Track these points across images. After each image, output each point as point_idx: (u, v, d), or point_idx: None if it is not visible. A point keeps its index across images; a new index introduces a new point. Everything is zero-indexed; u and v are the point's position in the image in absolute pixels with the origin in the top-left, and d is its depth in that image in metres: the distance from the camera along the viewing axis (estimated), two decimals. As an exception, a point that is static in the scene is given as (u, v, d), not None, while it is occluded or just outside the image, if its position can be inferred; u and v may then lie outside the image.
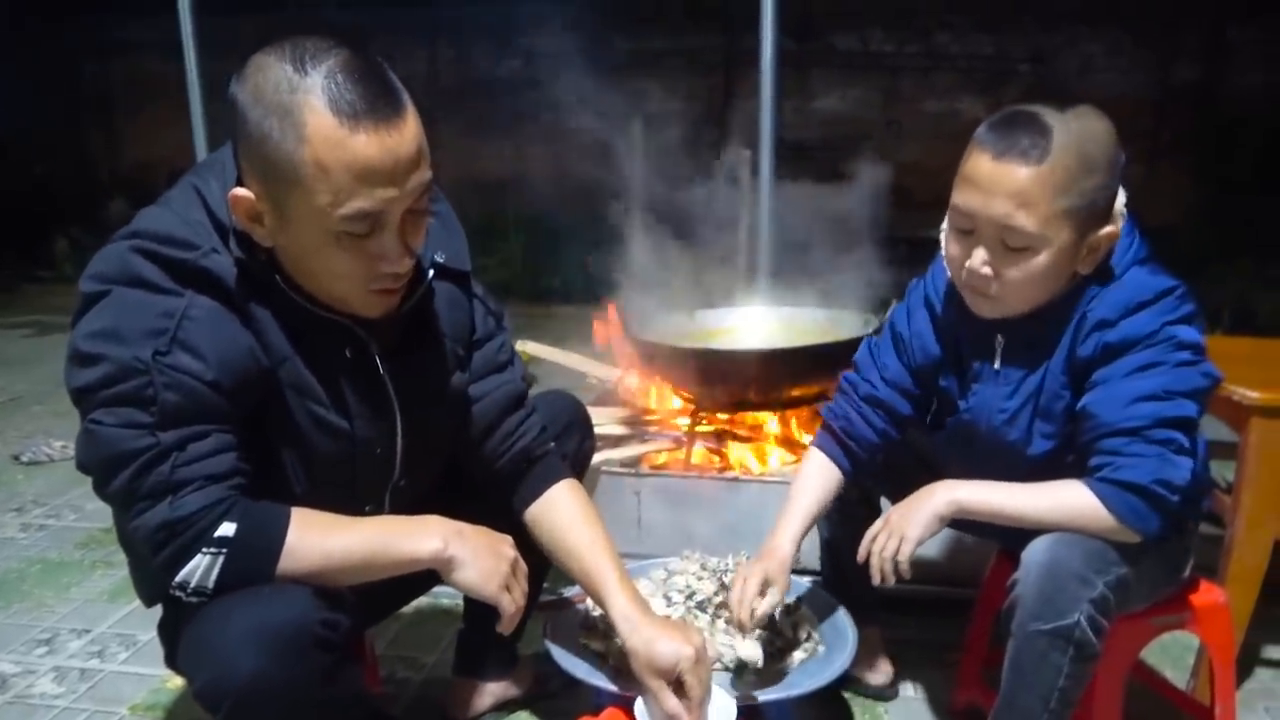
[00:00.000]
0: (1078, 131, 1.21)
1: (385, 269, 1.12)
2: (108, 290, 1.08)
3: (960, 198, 1.27)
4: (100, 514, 2.73)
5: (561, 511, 1.39)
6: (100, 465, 1.08)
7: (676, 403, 2.40)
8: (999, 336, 1.36)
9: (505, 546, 1.25)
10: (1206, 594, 1.46)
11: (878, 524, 1.38)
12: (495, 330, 1.41)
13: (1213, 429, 1.46)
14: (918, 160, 7.06)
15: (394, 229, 1.10)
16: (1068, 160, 1.19)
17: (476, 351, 1.39)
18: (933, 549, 1.87)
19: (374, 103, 1.04)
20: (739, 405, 2.20)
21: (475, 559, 1.20)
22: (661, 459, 2.24)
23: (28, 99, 7.73)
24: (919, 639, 1.88)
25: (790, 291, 2.63)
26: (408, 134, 1.07)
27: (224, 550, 1.08)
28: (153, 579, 1.21)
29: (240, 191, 1.08)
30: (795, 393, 2.14)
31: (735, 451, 2.23)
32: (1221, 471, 1.80)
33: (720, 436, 2.28)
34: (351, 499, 1.28)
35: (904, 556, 1.32)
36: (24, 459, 3.20)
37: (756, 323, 2.53)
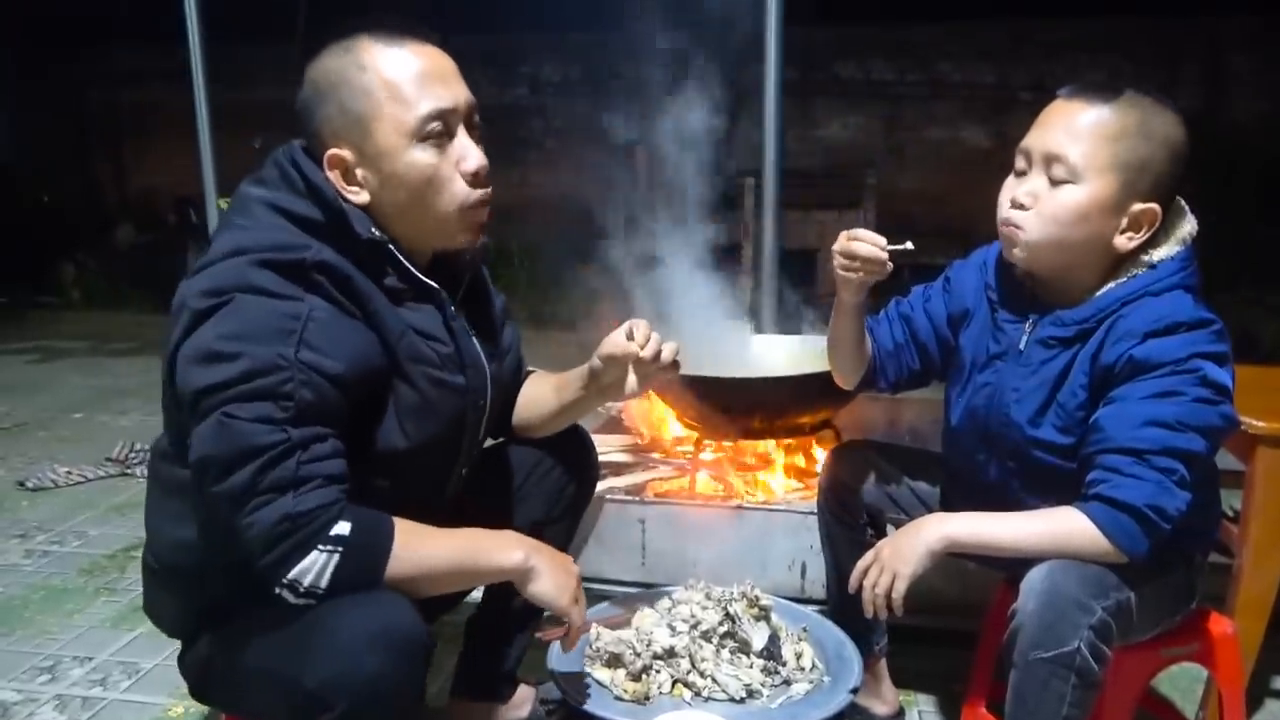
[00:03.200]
0: (1146, 104, 1.27)
1: (467, 166, 1.24)
2: (228, 299, 1.11)
3: (1023, 140, 1.33)
4: (104, 540, 2.73)
5: (529, 383, 1.60)
6: (226, 458, 1.09)
7: (681, 430, 2.40)
8: (1031, 317, 1.38)
9: (571, 564, 1.32)
10: (1215, 625, 1.45)
11: (869, 556, 1.37)
12: (494, 290, 1.54)
13: (1219, 457, 1.46)
14: (920, 188, 7.14)
15: (462, 133, 1.25)
16: (1127, 117, 1.26)
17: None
18: (938, 579, 1.86)
19: (411, 30, 1.24)
20: (743, 433, 2.19)
21: (550, 572, 1.26)
22: (665, 487, 2.24)
23: (36, 127, 7.80)
24: (925, 669, 1.87)
25: (793, 318, 2.64)
26: (443, 52, 1.26)
27: (340, 549, 1.10)
28: (208, 586, 1.24)
29: (334, 151, 1.22)
30: (800, 421, 2.14)
31: (739, 480, 2.22)
32: (1228, 500, 1.79)
33: (724, 464, 2.28)
34: (454, 459, 1.38)
35: (897, 594, 1.32)
36: (29, 485, 3.20)
37: (760, 350, 2.53)
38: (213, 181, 3.55)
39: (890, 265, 1.41)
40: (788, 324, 2.66)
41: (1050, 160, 1.28)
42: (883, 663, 1.71)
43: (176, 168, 7.50)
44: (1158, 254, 1.31)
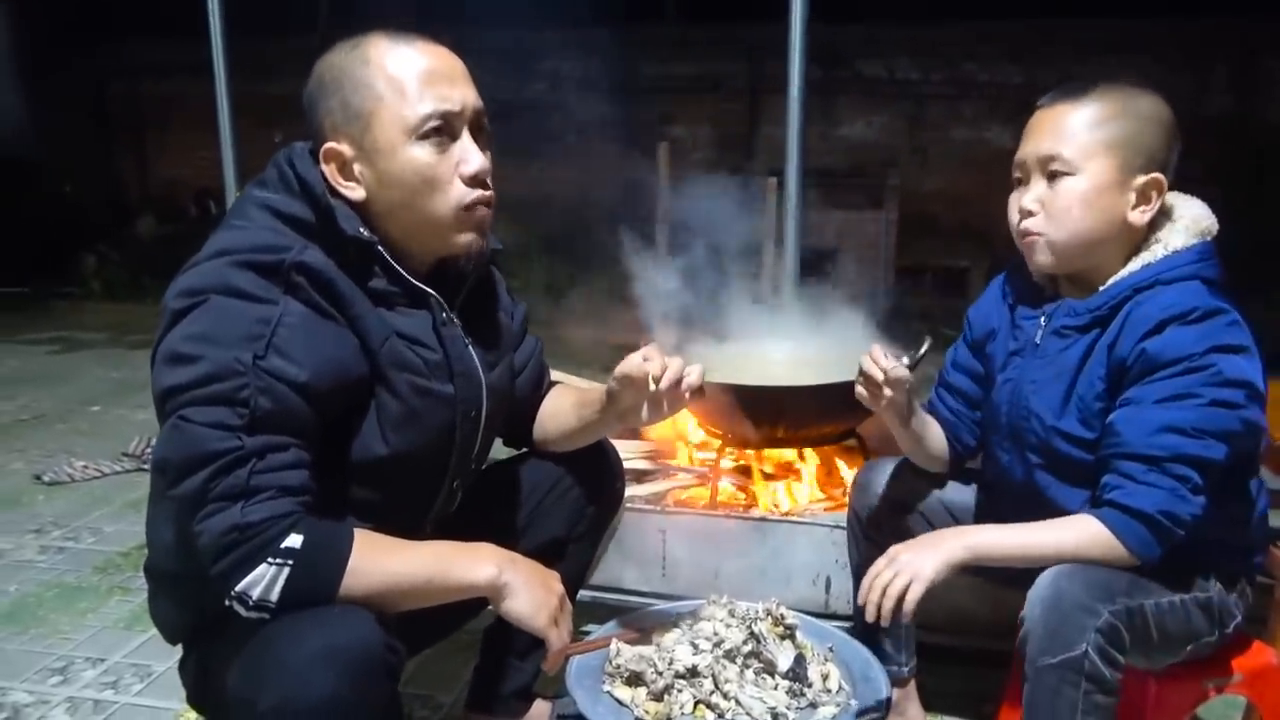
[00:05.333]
0: (1124, 88, 1.31)
1: (467, 169, 1.21)
2: (204, 299, 1.09)
3: (1017, 154, 1.37)
4: (119, 537, 2.72)
5: (551, 395, 1.58)
6: (180, 462, 1.07)
7: (703, 437, 2.35)
8: (1046, 310, 1.39)
9: (554, 581, 1.25)
10: (1259, 656, 1.41)
11: (881, 561, 1.34)
12: (515, 300, 1.52)
13: (1271, 478, 1.41)
14: (943, 188, 7.07)
15: (466, 135, 1.21)
16: (1106, 102, 1.30)
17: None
18: (969, 599, 1.82)
19: (420, 35, 1.22)
20: (767, 442, 2.15)
21: (527, 588, 1.20)
22: (686, 495, 2.20)
23: (59, 119, 7.83)
24: (954, 689, 1.82)
25: (817, 322, 2.58)
26: (454, 55, 1.24)
27: (290, 562, 1.06)
28: (198, 594, 1.19)
29: (331, 145, 1.19)
30: (824, 430, 2.10)
31: (762, 489, 2.18)
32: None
33: (747, 473, 2.23)
34: (444, 471, 1.33)
35: (913, 597, 1.28)
36: (45, 479, 3.20)
37: (783, 355, 2.48)
38: (233, 173, 3.53)
39: (890, 385, 1.41)
40: (811, 327, 2.60)
41: (1046, 163, 1.32)
42: (911, 684, 1.67)
43: (198, 160, 7.54)
44: (1174, 241, 1.32)
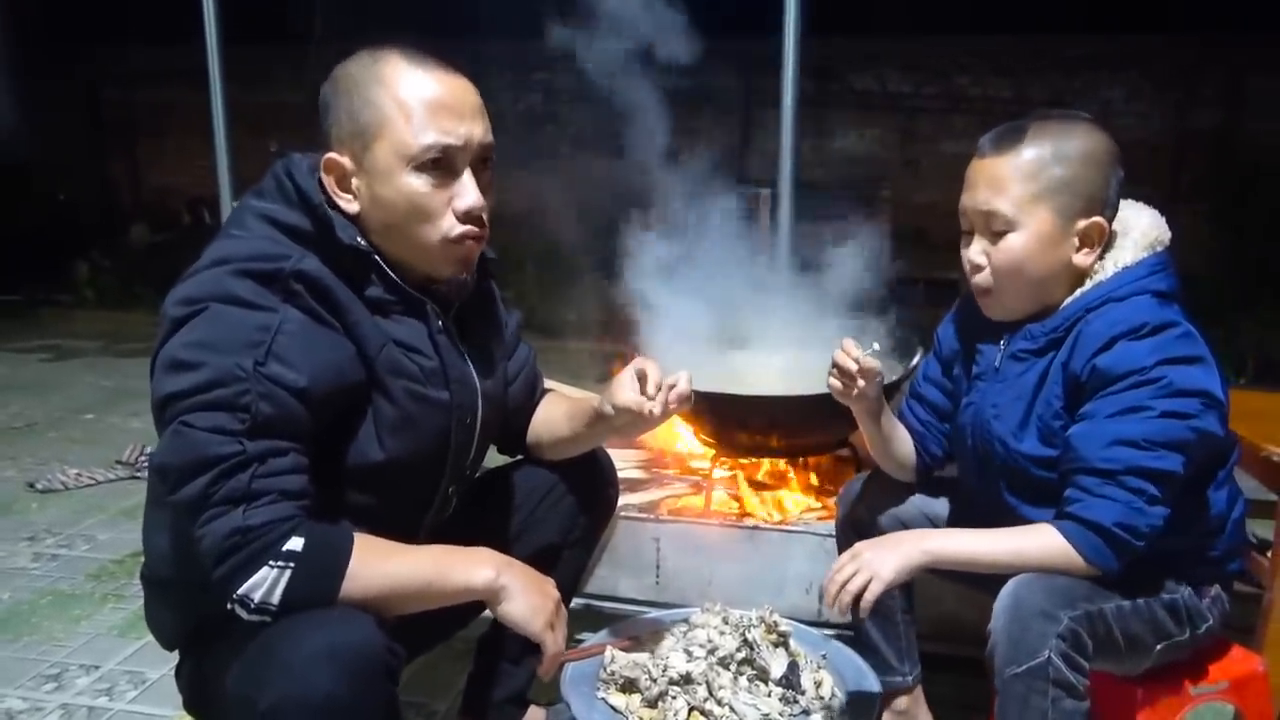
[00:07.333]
0: (1054, 130, 1.31)
1: (460, 204, 1.22)
2: (204, 307, 1.11)
3: (960, 202, 1.38)
4: (113, 545, 2.71)
5: (545, 404, 1.59)
6: (182, 467, 1.08)
7: (697, 446, 2.37)
8: (1005, 336, 1.42)
9: (550, 586, 1.27)
10: (1245, 662, 1.43)
11: (845, 557, 1.36)
12: (508, 309, 1.53)
13: (1251, 488, 1.43)
14: (935, 201, 7.11)
15: (466, 171, 1.22)
16: (1039, 150, 1.30)
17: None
18: (959, 606, 1.83)
19: (439, 60, 1.23)
20: (761, 451, 2.17)
21: (524, 593, 1.22)
22: (680, 504, 2.21)
23: (53, 124, 7.82)
24: (946, 696, 1.83)
25: (809, 333, 2.60)
26: (470, 86, 1.24)
27: (292, 565, 1.07)
28: (194, 600, 1.20)
29: (333, 155, 1.22)
30: (817, 439, 2.11)
31: (755, 498, 2.19)
32: (1254, 530, 1.75)
33: (741, 482, 2.24)
34: (440, 477, 1.35)
35: (871, 595, 1.31)
36: (38, 486, 3.19)
37: (776, 365, 2.50)
38: (227, 182, 3.54)
39: (863, 375, 1.43)
40: (802, 338, 2.62)
41: (986, 217, 1.34)
42: (918, 690, 1.69)
43: (191, 168, 7.54)
44: (1124, 257, 1.34)
